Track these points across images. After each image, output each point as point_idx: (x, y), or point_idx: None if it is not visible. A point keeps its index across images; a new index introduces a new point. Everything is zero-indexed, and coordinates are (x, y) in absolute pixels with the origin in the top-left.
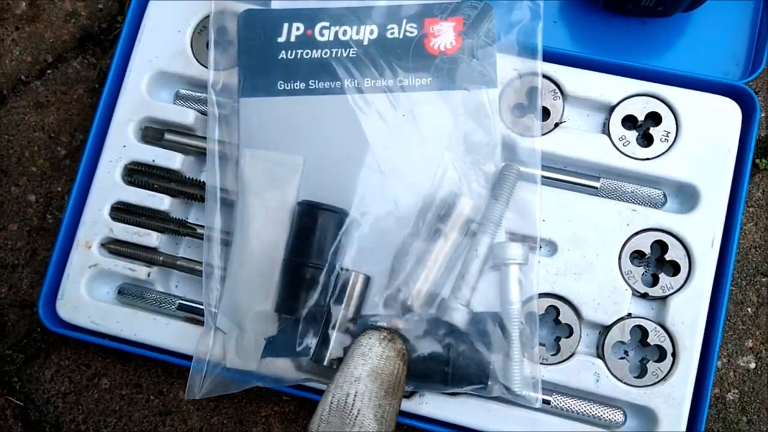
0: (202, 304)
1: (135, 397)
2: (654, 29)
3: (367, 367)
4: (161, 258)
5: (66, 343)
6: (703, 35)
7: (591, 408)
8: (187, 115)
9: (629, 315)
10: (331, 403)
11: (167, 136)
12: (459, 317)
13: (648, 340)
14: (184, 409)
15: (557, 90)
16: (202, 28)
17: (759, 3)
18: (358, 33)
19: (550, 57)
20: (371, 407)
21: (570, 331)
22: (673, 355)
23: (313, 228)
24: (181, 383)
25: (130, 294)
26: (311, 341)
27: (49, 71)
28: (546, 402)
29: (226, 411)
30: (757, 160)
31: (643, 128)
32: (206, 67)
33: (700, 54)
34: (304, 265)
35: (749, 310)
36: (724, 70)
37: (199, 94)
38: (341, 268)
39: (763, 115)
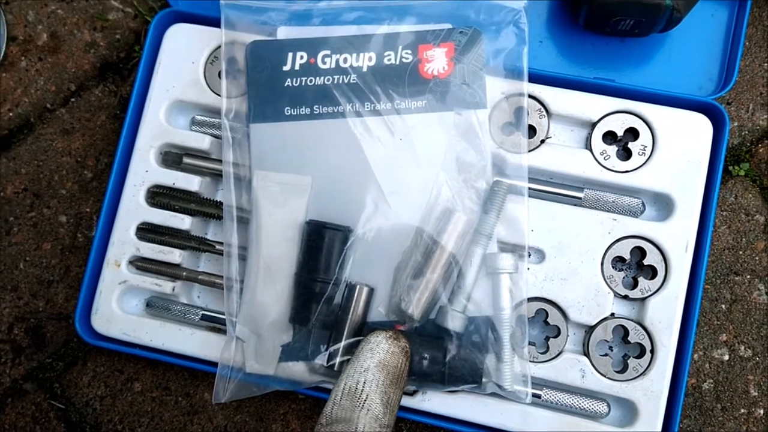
0: (222, 314)
1: (165, 398)
2: (633, 48)
3: (375, 359)
4: (184, 273)
5: (100, 351)
6: (679, 53)
7: (578, 401)
8: (203, 140)
9: (612, 315)
10: (343, 389)
11: (185, 160)
12: (455, 323)
13: (629, 338)
14: (210, 408)
15: (543, 109)
16: (213, 58)
17: (731, 23)
18: (357, 60)
19: (535, 78)
20: (378, 393)
21: (558, 332)
22: (652, 351)
23: (321, 245)
24: (206, 385)
25: (157, 307)
26: (322, 347)
27: (72, 99)
28: (537, 396)
29: (247, 409)
30: (730, 167)
31: (622, 143)
32: (219, 95)
33: (676, 70)
34: (313, 279)
35: (723, 306)
36: (698, 85)
37: (213, 119)
38: (347, 281)
39: (735, 124)
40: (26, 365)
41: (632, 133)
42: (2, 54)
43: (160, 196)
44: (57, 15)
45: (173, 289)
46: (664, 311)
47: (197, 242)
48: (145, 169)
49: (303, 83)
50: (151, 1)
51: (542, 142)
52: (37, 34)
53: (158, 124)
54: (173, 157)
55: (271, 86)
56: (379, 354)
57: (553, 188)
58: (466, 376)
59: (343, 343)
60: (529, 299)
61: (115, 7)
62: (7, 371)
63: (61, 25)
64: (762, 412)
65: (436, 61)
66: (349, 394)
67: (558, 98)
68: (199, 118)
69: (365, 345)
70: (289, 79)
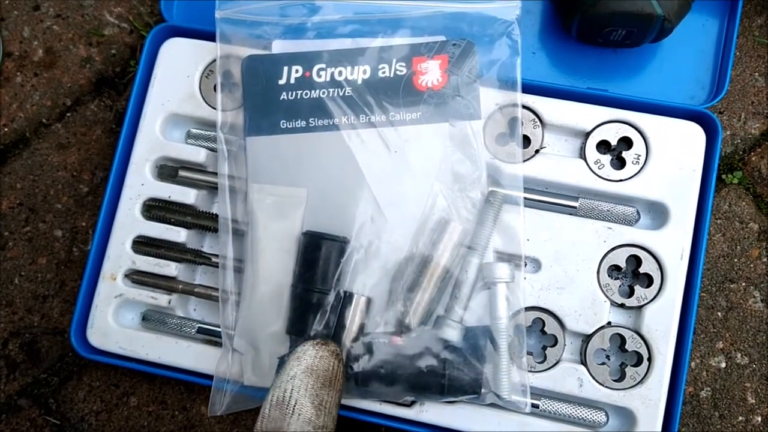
0: (219, 327)
1: (161, 413)
2: (625, 58)
3: (302, 366)
4: (180, 286)
5: (96, 365)
6: (671, 62)
7: (576, 410)
8: (198, 153)
9: (608, 324)
10: (271, 401)
11: (181, 173)
12: (452, 333)
13: (626, 347)
14: (207, 422)
15: (537, 119)
16: (209, 72)
17: (721, 33)
18: (352, 73)
19: (529, 89)
20: (308, 396)
21: (555, 341)
22: (649, 360)
23: (318, 256)
24: (203, 399)
25: (154, 320)
26: None
27: (68, 114)
28: (535, 406)
29: (245, 423)
30: (724, 176)
31: (616, 152)
32: (214, 108)
33: (669, 80)
34: (310, 290)
35: (719, 314)
36: (690, 94)
37: (209, 132)
38: (344, 292)
39: (728, 133)
40: (21, 381)
41: (626, 142)
42: None
43: (155, 210)
44: (53, 31)
45: (169, 302)
46: (661, 319)
47: (193, 255)
48: (140, 183)
49: (298, 96)
50: (146, 16)
51: (537, 152)
52: (33, 50)
53: (154, 138)
54: (169, 171)
55: (267, 100)
56: (306, 360)
57: (549, 198)
58: (465, 386)
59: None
60: (526, 309)
61: (110, 23)
62: (1, 387)
63: (57, 41)
64: (760, 419)
65: (430, 73)
66: (278, 404)
67: (552, 108)
68: (194, 131)
69: (291, 356)
70: (284, 93)
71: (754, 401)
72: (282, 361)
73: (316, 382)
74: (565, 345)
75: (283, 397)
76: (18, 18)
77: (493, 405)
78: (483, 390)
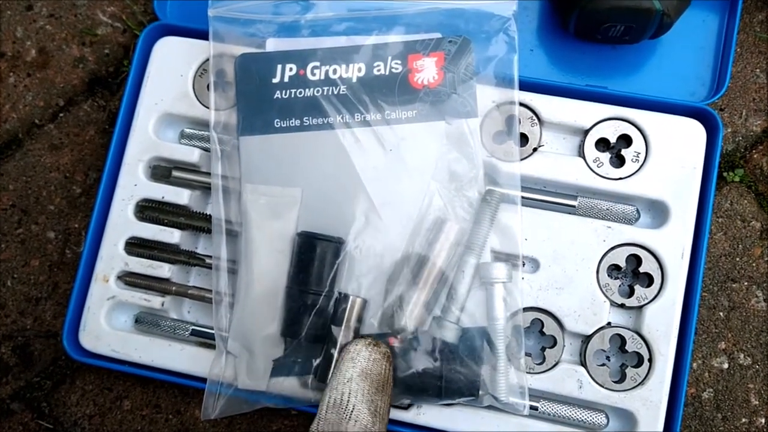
0: (213, 330)
1: (155, 417)
2: (624, 55)
3: (357, 368)
4: (174, 288)
5: (89, 369)
6: (670, 59)
7: (576, 412)
8: (192, 153)
9: (608, 324)
10: (328, 402)
11: (174, 173)
12: (449, 334)
13: (626, 348)
14: (201, 426)
15: (534, 117)
16: (202, 71)
17: (722, 29)
18: (347, 71)
19: (526, 86)
20: (365, 402)
21: (554, 342)
22: (650, 360)
23: (312, 257)
24: (197, 403)
25: (147, 322)
26: (315, 361)
27: (61, 114)
28: (534, 408)
29: (239, 426)
30: (725, 174)
31: (615, 150)
32: (208, 107)
33: (668, 76)
34: (305, 291)
35: (721, 314)
36: (690, 91)
37: (202, 132)
38: (339, 293)
39: (729, 130)
40: (13, 384)
41: (625, 140)
42: None
43: (149, 210)
44: (46, 30)
45: (163, 304)
46: (662, 319)
47: (187, 256)
48: (133, 183)
49: (292, 95)
50: (140, 15)
51: (534, 150)
52: (26, 50)
53: (147, 138)
54: (162, 171)
55: (261, 98)
56: (361, 362)
57: (547, 197)
58: (463, 389)
59: (335, 356)
60: (525, 309)
61: (104, 22)
62: None
63: (50, 41)
64: (763, 421)
65: (426, 70)
66: (335, 406)
67: (550, 106)
68: (188, 131)
69: (346, 355)
70: (278, 91)
71: (757, 402)
72: (277, 364)
73: (371, 387)
74: (564, 346)
75: (340, 401)
76: (11, 18)
77: (491, 407)
78: (480, 392)
